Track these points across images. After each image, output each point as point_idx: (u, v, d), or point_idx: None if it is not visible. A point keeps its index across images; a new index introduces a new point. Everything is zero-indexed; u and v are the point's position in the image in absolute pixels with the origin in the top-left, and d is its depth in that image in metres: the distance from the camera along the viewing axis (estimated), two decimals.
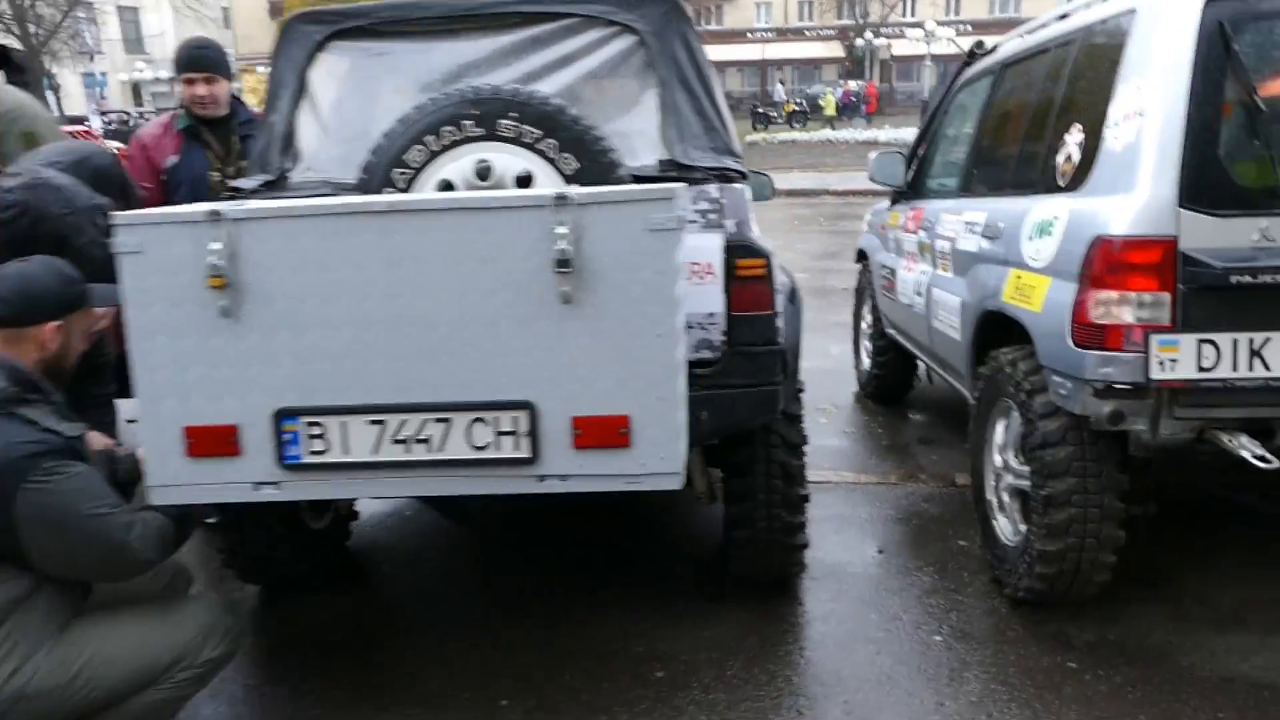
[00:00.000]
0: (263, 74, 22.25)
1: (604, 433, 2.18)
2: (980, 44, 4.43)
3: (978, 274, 3.58)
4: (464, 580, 3.72)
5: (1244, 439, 2.59)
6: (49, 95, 24.05)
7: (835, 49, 47.12)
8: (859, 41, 45.33)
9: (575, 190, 2.12)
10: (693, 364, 2.80)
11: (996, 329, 3.36)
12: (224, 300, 2.18)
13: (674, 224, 2.11)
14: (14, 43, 25.55)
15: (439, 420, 2.22)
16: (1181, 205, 2.55)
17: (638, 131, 2.93)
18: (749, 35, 49.56)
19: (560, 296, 2.13)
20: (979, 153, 4.03)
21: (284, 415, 2.23)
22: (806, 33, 48.69)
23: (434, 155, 2.59)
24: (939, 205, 4.30)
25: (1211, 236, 2.55)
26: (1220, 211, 2.55)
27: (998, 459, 3.34)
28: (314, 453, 2.25)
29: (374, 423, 2.23)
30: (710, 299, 2.81)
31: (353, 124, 3.00)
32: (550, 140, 2.56)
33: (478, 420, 2.21)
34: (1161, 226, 2.56)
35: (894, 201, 5.16)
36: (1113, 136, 2.76)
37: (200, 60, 3.76)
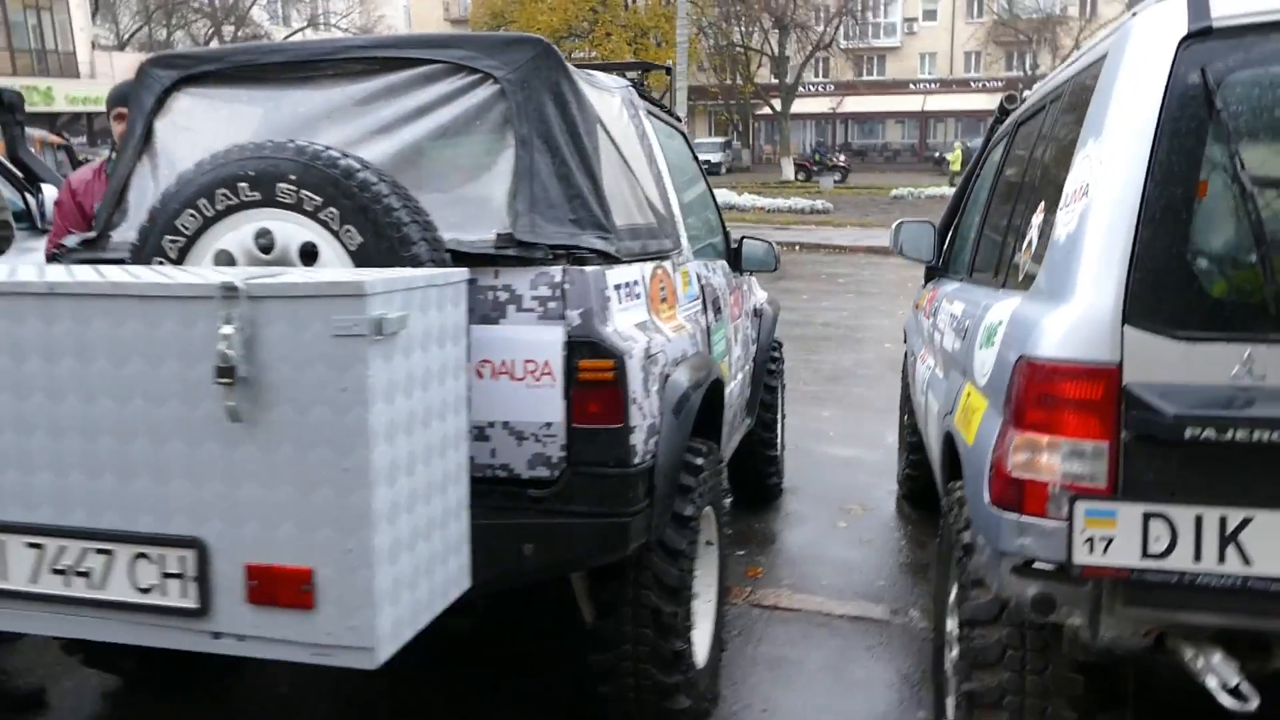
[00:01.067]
0: None
1: (282, 587, 1.71)
2: (1011, 96, 3.75)
3: (950, 380, 2.91)
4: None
5: (1217, 658, 1.85)
6: None
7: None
8: (1026, 93, 43.26)
9: (246, 278, 1.67)
10: (525, 483, 2.30)
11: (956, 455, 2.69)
12: None
13: (365, 329, 1.63)
14: None
15: (100, 551, 1.81)
16: (1128, 321, 1.86)
17: (482, 198, 2.46)
18: (911, 86, 48.13)
19: (227, 412, 1.68)
20: (982, 228, 3.35)
21: None
22: (972, 84, 46.90)
23: (209, 222, 2.21)
24: (947, 288, 3.63)
25: (1173, 367, 1.85)
26: (1184, 333, 1.85)
27: (949, 623, 2.65)
28: None
29: (31, 546, 1.84)
30: (546, 406, 2.30)
31: (166, 183, 2.67)
32: (331, 209, 2.13)
33: (141, 556, 1.78)
34: (1096, 349, 1.87)
35: (926, 279, 4.48)
36: (1062, 221, 2.09)
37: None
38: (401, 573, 1.76)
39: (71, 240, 2.65)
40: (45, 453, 1.80)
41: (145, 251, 2.25)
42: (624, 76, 3.46)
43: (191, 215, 2.20)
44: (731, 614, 3.69)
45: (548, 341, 2.30)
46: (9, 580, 1.85)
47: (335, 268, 2.16)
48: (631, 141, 2.96)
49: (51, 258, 2.68)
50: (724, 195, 25.98)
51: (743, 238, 4.33)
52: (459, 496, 2.00)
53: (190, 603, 1.75)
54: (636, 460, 2.34)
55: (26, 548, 1.84)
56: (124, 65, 31.26)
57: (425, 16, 48.90)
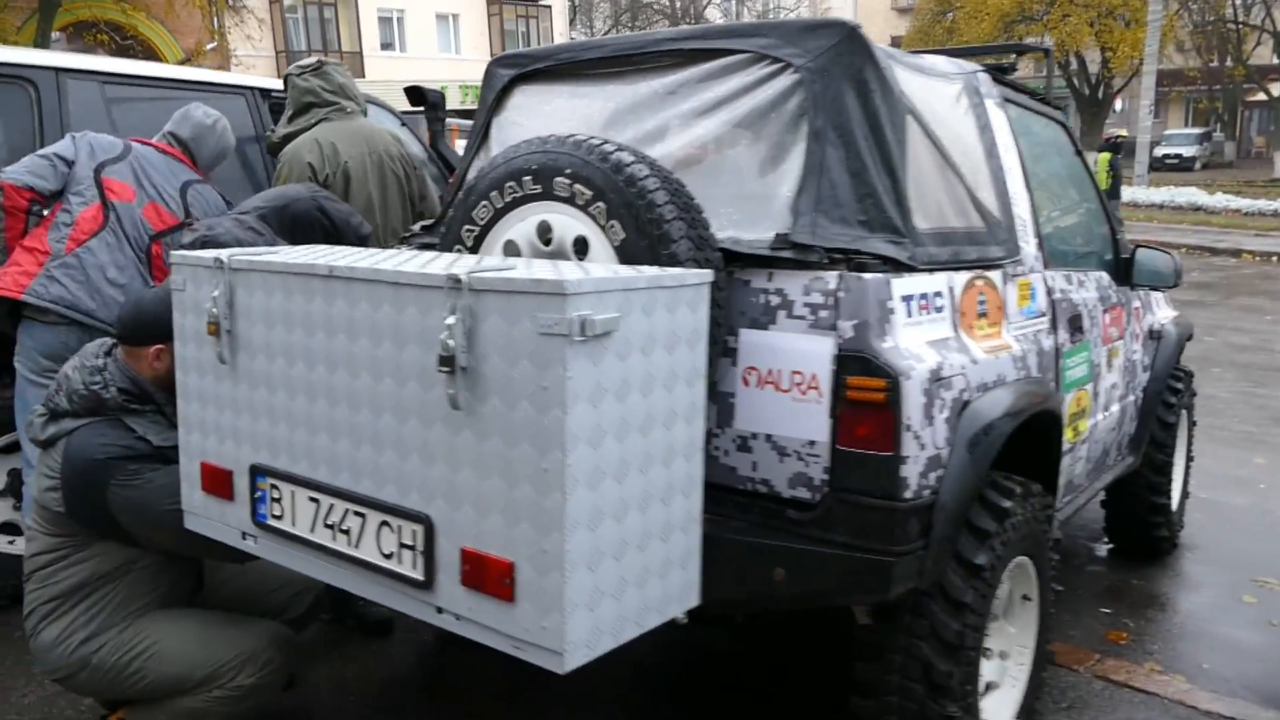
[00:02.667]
0: None
1: (488, 575, 1.74)
2: None
3: None
4: None
5: None
6: None
7: None
8: None
9: (471, 271, 1.71)
10: (784, 502, 2.16)
11: None
12: (219, 347, 2.18)
13: (567, 329, 1.59)
14: None
15: (356, 514, 1.97)
16: None
17: (767, 196, 2.31)
18: None
19: (449, 399, 1.74)
20: None
21: (257, 471, 2.17)
22: None
23: (499, 213, 2.31)
24: None
25: None
26: None
27: None
28: (275, 516, 2.15)
29: (312, 500, 2.06)
30: (811, 422, 2.13)
31: None
32: (600, 204, 2.13)
33: (385, 524, 1.91)
34: None
35: None
36: None
37: None
38: (604, 581, 1.70)
39: (416, 226, 2.94)
40: (324, 418, 2.00)
41: (447, 239, 2.42)
42: (997, 61, 3.09)
43: (484, 206, 2.32)
44: (1064, 682, 3.19)
45: (816, 353, 2.11)
46: (296, 526, 2.09)
47: (601, 263, 2.16)
48: (962, 134, 2.63)
49: (401, 241, 2.99)
50: (1190, 194, 22.75)
51: (1137, 247, 3.70)
52: (688, 509, 1.91)
53: (418, 574, 1.85)
54: (908, 494, 2.07)
55: (308, 500, 2.06)
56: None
57: (871, 7, 48.41)
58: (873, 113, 2.26)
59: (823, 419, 2.11)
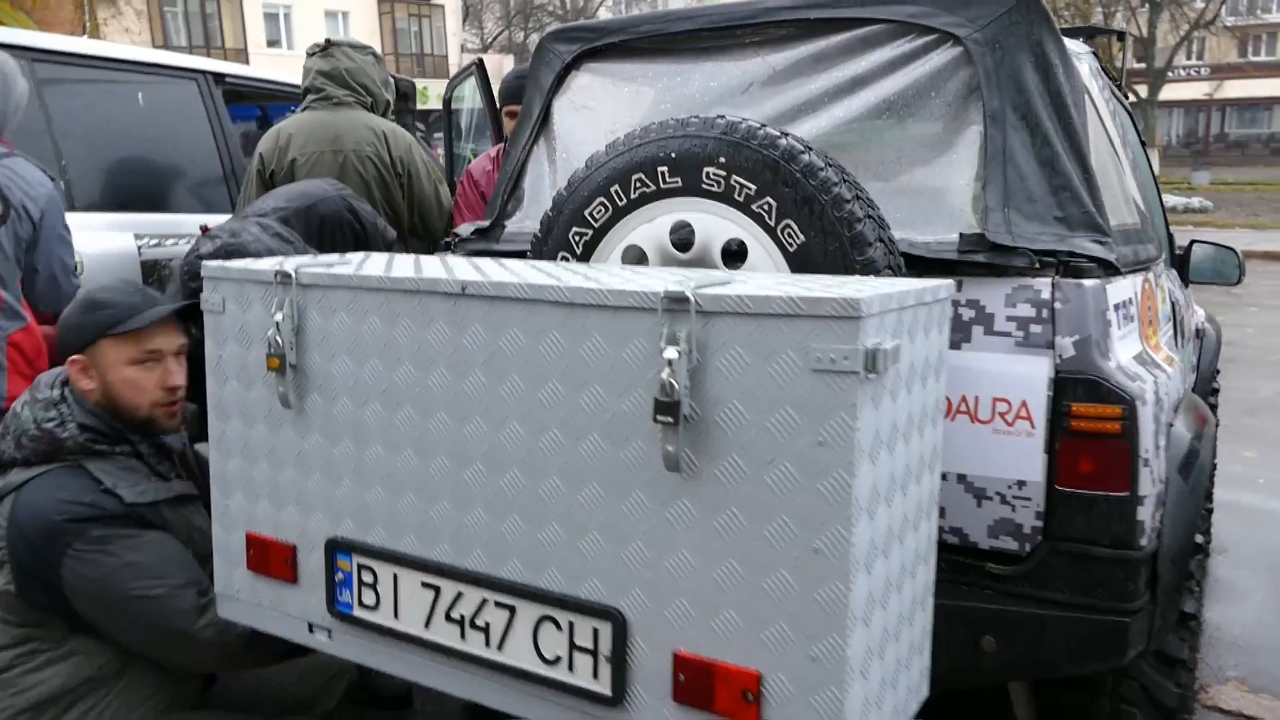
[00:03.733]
0: None
1: (719, 689, 1.32)
2: None
3: None
4: None
5: None
6: None
7: None
8: None
9: (696, 287, 1.29)
10: (983, 554, 1.80)
11: None
12: (282, 386, 1.68)
13: (858, 363, 1.19)
14: None
15: (500, 605, 1.51)
16: None
17: (938, 189, 1.96)
18: None
19: (664, 458, 1.31)
20: None
21: (338, 547, 1.69)
22: None
23: (620, 212, 1.89)
24: None
25: None
26: None
27: None
28: (365, 605, 1.67)
29: (427, 586, 1.59)
30: (1019, 459, 1.77)
31: (577, 166, 2.40)
32: (767, 200, 1.73)
33: (547, 619, 1.47)
34: None
35: None
36: None
37: (522, 91, 3.36)
38: (871, 689, 1.31)
39: (465, 229, 2.47)
40: (446, 479, 1.54)
41: (549, 244, 1.97)
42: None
43: (602, 205, 1.89)
44: None
45: (1027, 376, 1.76)
46: (400, 619, 1.62)
47: (765, 272, 1.76)
48: (1110, 119, 2.32)
49: (445, 247, 2.52)
50: None
51: (1192, 241, 3.50)
52: (927, 579, 1.53)
53: (601, 687, 1.41)
54: (1143, 541, 1.74)
55: (420, 586, 1.59)
56: (488, 65, 33.98)
57: None
58: (1056, 91, 1.92)
59: (1035, 455, 1.76)
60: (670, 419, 1.28)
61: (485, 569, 1.52)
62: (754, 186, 1.74)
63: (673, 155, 1.80)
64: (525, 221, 2.40)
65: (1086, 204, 1.86)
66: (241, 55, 25.65)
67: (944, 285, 1.47)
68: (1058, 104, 1.92)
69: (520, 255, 2.26)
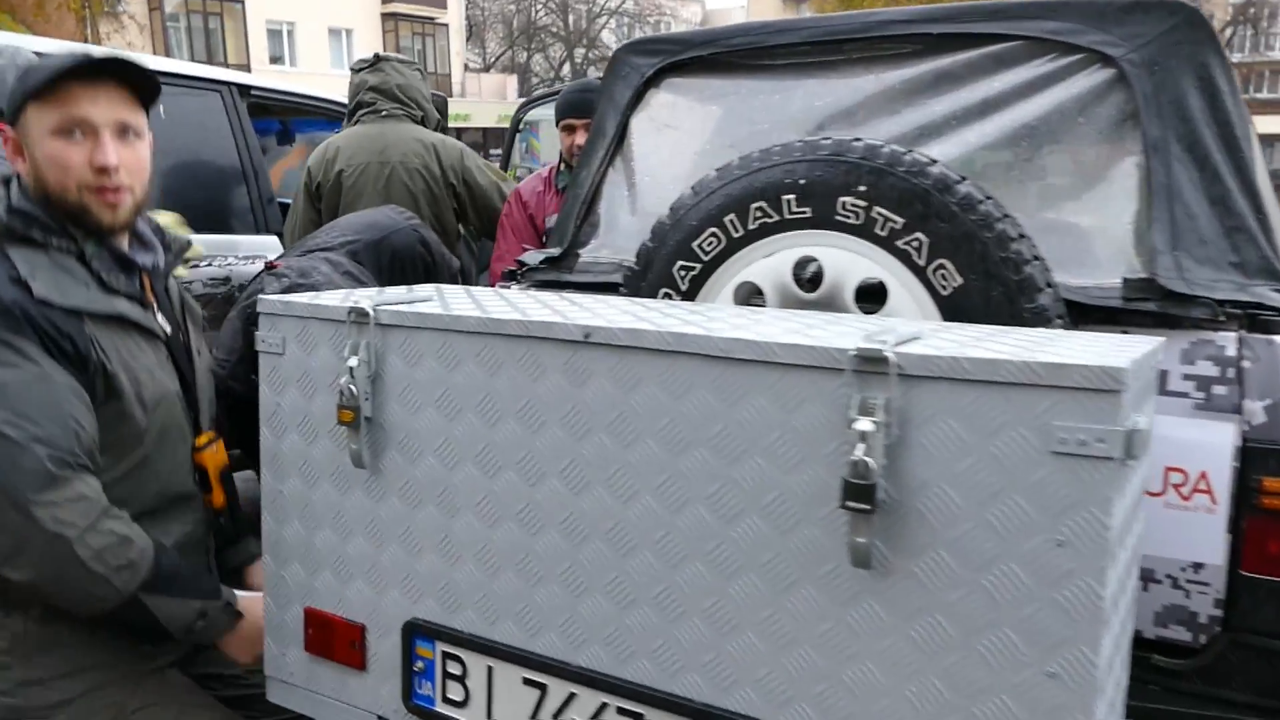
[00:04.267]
0: None
1: None
2: None
3: None
4: None
5: None
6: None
7: None
8: None
9: (896, 344, 1.06)
10: (1149, 645, 1.57)
11: None
12: (356, 442, 1.44)
13: (1121, 449, 0.96)
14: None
15: (624, 712, 1.27)
16: None
17: (1094, 227, 1.74)
18: None
19: (852, 551, 1.08)
20: None
21: (417, 632, 1.44)
22: None
23: (735, 245, 1.66)
24: None
25: None
26: None
27: None
28: (450, 701, 1.42)
29: (530, 684, 1.35)
30: (1196, 538, 1.54)
31: (669, 192, 2.17)
32: (917, 235, 1.50)
33: None
34: None
35: None
36: None
37: (582, 105, 3.18)
38: None
39: (532, 257, 2.24)
40: (557, 558, 1.30)
41: (648, 279, 1.75)
42: None
43: (714, 236, 1.67)
44: None
45: (1209, 444, 1.53)
46: (494, 719, 1.38)
47: (907, 318, 1.53)
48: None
49: (508, 276, 2.29)
50: None
51: None
52: (1124, 684, 1.29)
53: None
54: None
55: (521, 684, 1.35)
56: (490, 85, 33.92)
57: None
58: (1224, 120, 1.71)
59: (1217, 534, 1.53)
60: (864, 505, 1.05)
61: (605, 668, 1.28)
62: (900, 220, 1.51)
63: (801, 182, 1.58)
64: (601, 251, 2.18)
65: (1264, 248, 1.65)
66: (244, 71, 25.50)
67: (1157, 344, 1.24)
68: (1226, 134, 1.71)
69: (599, 288, 2.04)
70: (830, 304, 1.62)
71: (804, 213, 1.59)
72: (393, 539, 1.46)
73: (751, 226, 1.64)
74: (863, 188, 1.54)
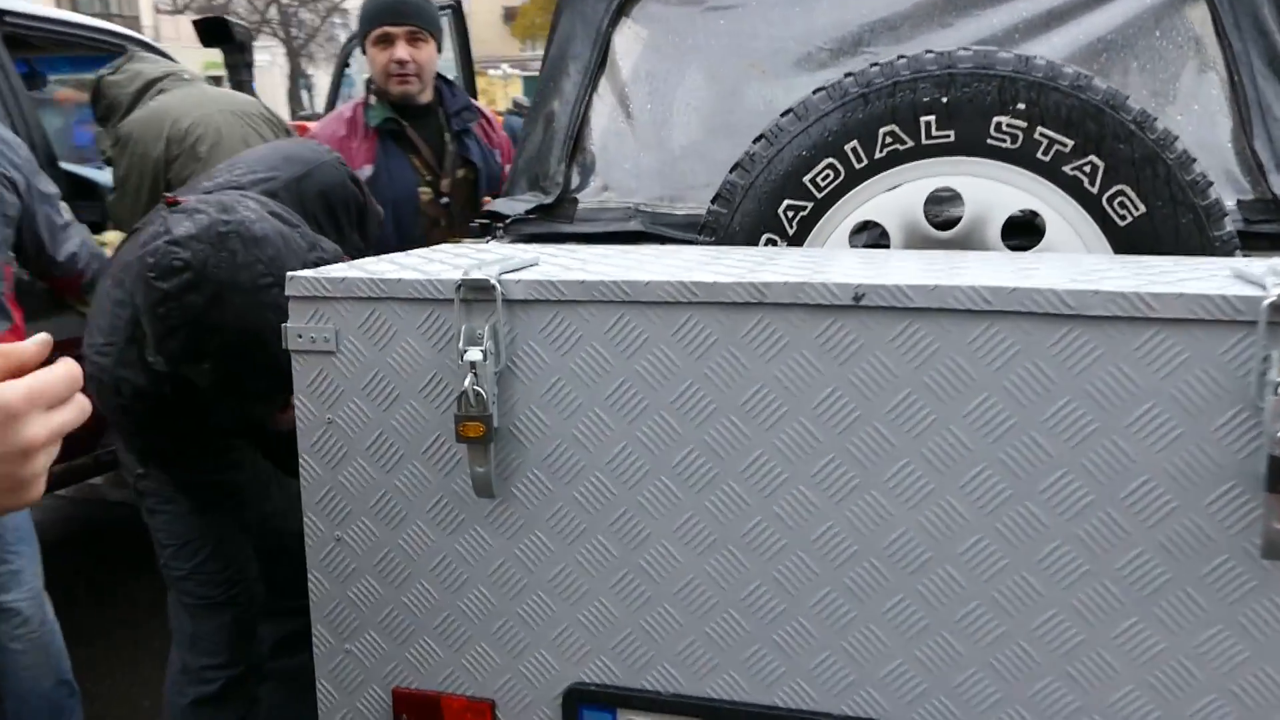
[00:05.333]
0: (496, 76, 21.48)
1: None
2: None
3: None
4: None
5: None
6: (303, 94, 24.34)
7: None
8: None
9: None
10: None
11: None
12: (482, 464, 1.06)
13: None
14: (278, 46, 26.64)
15: None
16: None
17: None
18: None
19: (1268, 542, 0.88)
20: None
21: (585, 700, 1.10)
22: None
23: (856, 178, 1.40)
24: None
25: None
26: None
27: None
28: None
29: None
30: None
31: (678, 120, 1.86)
32: (1090, 159, 1.32)
33: None
34: None
35: None
36: None
37: (400, 8, 2.52)
38: None
39: (509, 206, 1.85)
40: (807, 587, 1.02)
41: (739, 222, 1.45)
42: None
43: (831, 168, 1.40)
44: None
45: None
46: None
47: (1066, 252, 1.35)
48: None
49: (476, 233, 1.88)
50: None
51: None
52: None
53: None
54: None
55: None
56: (189, 29, 30.54)
57: None
58: None
59: None
60: None
61: (882, 715, 1.02)
62: (1070, 142, 1.32)
63: (944, 100, 1.35)
64: (605, 194, 1.83)
65: None
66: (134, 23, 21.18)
67: None
68: None
69: (614, 239, 1.71)
70: (969, 244, 1.41)
71: (946, 137, 1.36)
72: (537, 586, 1.10)
73: (879, 155, 1.38)
74: (1022, 105, 1.32)
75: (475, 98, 3.18)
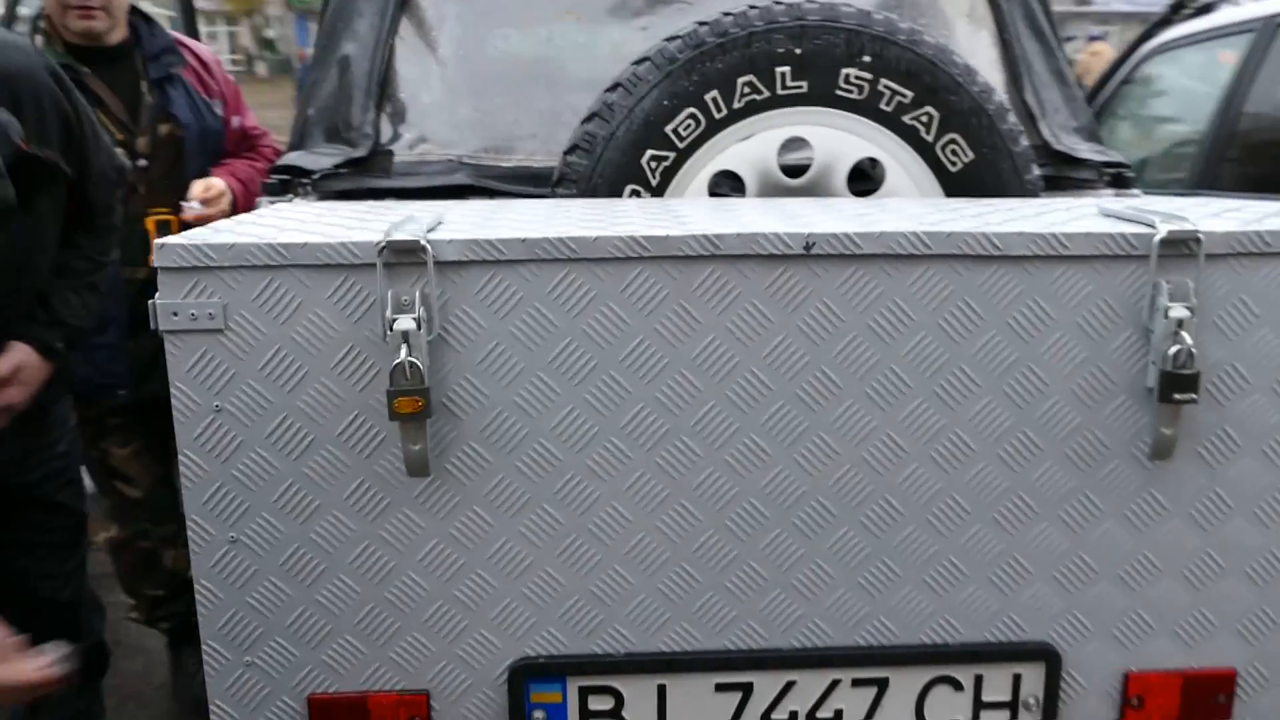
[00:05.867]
0: None
1: (1184, 702, 1.10)
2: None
3: None
4: None
5: None
6: None
7: None
8: None
9: (1199, 221, 1.01)
10: None
11: None
12: (417, 442, 0.98)
13: None
14: None
15: (862, 682, 1.09)
16: None
17: None
18: None
19: (1155, 445, 1.03)
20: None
21: (535, 674, 1.06)
22: None
23: (714, 127, 1.42)
24: None
25: None
26: None
27: None
28: None
29: (726, 688, 1.08)
30: None
31: (496, 68, 1.77)
32: (926, 110, 1.43)
33: (942, 682, 1.09)
34: None
35: None
36: None
37: None
38: None
39: (311, 160, 1.68)
40: (757, 532, 1.04)
41: (603, 174, 1.42)
42: None
43: (692, 118, 1.41)
44: None
45: None
46: None
47: (904, 197, 1.47)
48: None
49: (272, 189, 1.69)
50: None
51: None
52: None
53: None
54: None
55: (715, 692, 1.08)
56: None
57: None
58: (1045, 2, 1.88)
59: None
60: (1187, 394, 0.99)
61: (831, 642, 1.08)
62: (910, 93, 1.42)
63: (797, 52, 1.39)
64: (423, 146, 1.71)
65: (1088, 113, 1.87)
66: None
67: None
68: (1046, 10, 1.88)
69: (440, 194, 1.62)
70: (817, 190, 1.48)
71: (799, 87, 1.41)
72: (475, 565, 1.04)
73: (737, 105, 1.41)
74: (868, 58, 1.40)
75: (198, 39, 2.79)
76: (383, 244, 0.94)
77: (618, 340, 0.99)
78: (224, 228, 1.07)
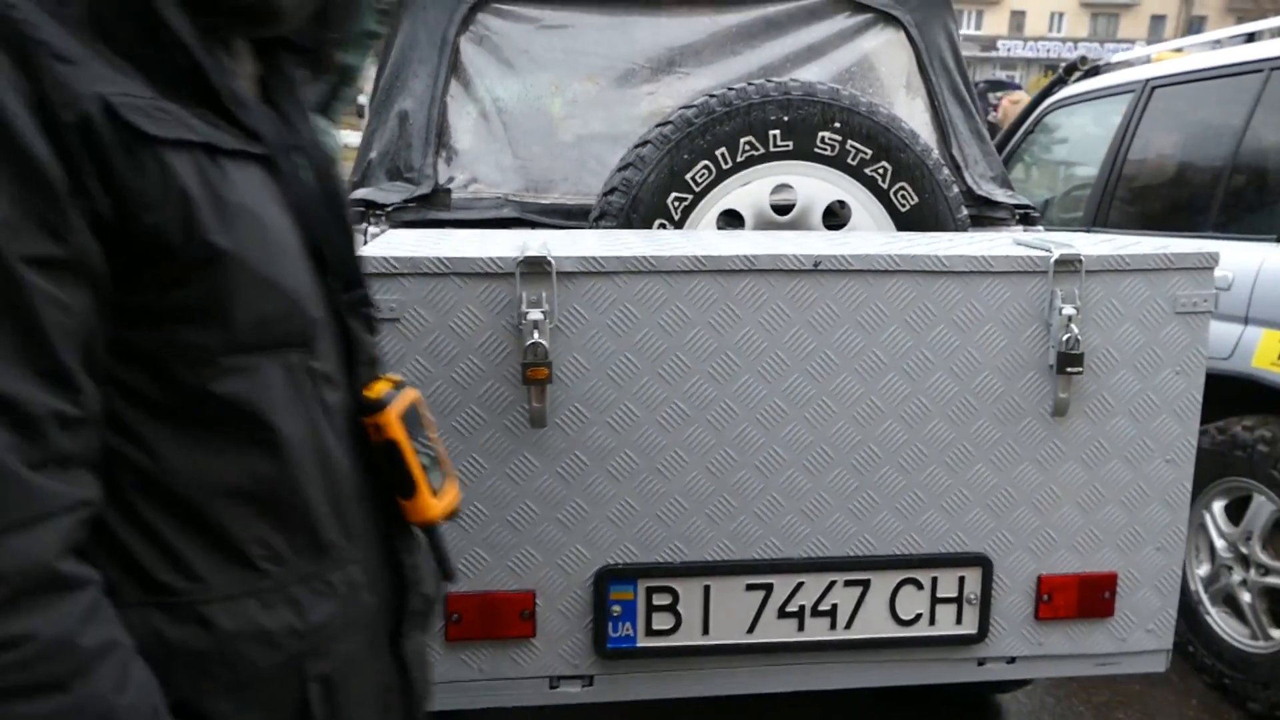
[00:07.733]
0: None
1: (1080, 598, 1.53)
2: (1084, 59, 4.03)
3: None
4: None
5: None
6: None
7: None
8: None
9: (1082, 247, 1.45)
10: None
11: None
12: (539, 401, 1.36)
13: (1209, 304, 1.48)
14: None
15: (851, 583, 1.49)
16: None
17: None
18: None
19: (1055, 406, 1.46)
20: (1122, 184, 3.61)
21: (615, 577, 1.44)
22: None
23: (723, 176, 1.83)
24: None
25: None
26: None
27: (1219, 543, 2.89)
28: (656, 632, 1.46)
29: (755, 588, 1.47)
30: None
31: (531, 123, 2.16)
32: (882, 164, 1.86)
33: (908, 582, 1.50)
34: None
35: None
36: None
37: None
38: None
39: (382, 196, 2.04)
40: (777, 472, 1.44)
41: (639, 211, 1.82)
42: None
43: (706, 168, 1.81)
44: None
45: None
46: (711, 635, 1.47)
47: (864, 231, 1.90)
48: None
49: (360, 219, 2.04)
50: None
51: None
52: None
53: (967, 628, 1.51)
54: None
55: (745, 591, 1.46)
56: None
57: None
58: (963, 69, 2.34)
59: None
60: (1078, 367, 1.43)
61: (829, 553, 1.47)
62: (870, 151, 1.85)
63: (785, 120, 1.82)
64: (474, 186, 2.09)
65: (1000, 164, 2.34)
66: None
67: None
68: (965, 80, 2.34)
69: (488, 225, 1.99)
70: (799, 225, 1.90)
71: (786, 146, 1.83)
72: (574, 495, 1.41)
73: (740, 159, 1.82)
74: (838, 124, 1.83)
75: None
76: (521, 258, 1.32)
77: (681, 330, 1.38)
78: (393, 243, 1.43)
